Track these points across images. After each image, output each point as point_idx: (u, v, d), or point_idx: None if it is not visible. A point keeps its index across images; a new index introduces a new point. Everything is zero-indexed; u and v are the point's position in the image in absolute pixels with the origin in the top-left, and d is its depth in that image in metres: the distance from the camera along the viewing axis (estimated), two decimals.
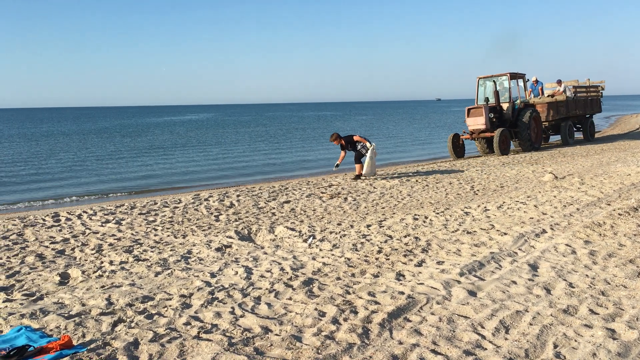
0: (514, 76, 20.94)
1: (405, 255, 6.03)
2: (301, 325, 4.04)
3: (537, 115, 20.89)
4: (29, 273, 6.02)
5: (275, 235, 7.48)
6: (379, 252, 6.24)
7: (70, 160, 26.53)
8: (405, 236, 7.01)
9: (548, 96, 23.01)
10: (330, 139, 13.94)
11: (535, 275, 5.13)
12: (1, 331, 4.24)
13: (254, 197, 11.11)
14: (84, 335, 4.03)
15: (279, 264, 5.86)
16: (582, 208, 8.32)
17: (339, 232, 7.47)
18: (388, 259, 5.90)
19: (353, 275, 5.35)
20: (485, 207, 8.79)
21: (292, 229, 7.70)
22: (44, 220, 9.10)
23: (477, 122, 19.84)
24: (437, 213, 8.51)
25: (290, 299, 4.70)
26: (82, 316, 4.44)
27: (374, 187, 12.00)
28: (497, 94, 20.34)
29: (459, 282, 4.94)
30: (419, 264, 5.66)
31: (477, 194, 10.65)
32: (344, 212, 9.22)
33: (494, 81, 21.08)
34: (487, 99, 20.17)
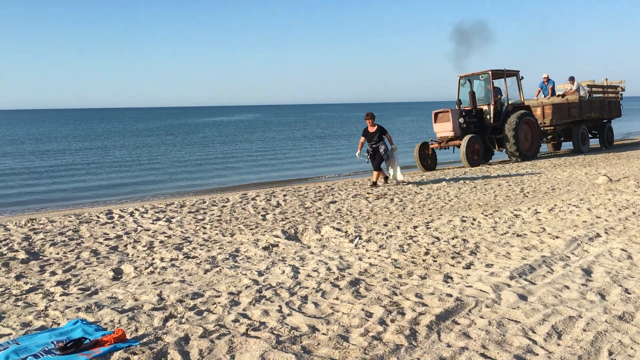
0: (497, 74, 18.21)
1: (453, 257, 5.95)
2: (348, 325, 4.05)
3: (530, 119, 17.98)
4: (84, 268, 6.23)
5: (322, 235, 7.50)
6: (426, 253, 6.18)
7: (145, 160, 27.34)
8: (452, 238, 6.92)
9: (559, 96, 20.22)
10: (365, 116, 12.62)
11: (589, 280, 4.98)
12: (59, 324, 4.40)
13: (300, 197, 11.18)
14: (136, 330, 4.14)
15: (326, 263, 5.87)
16: (639, 212, 8.02)
17: (385, 233, 7.43)
18: (435, 261, 5.84)
19: (400, 276, 5.32)
20: (536, 210, 8.58)
21: (338, 229, 7.71)
22: (98, 217, 9.40)
23: (444, 128, 17.35)
24: (486, 215, 8.36)
25: (337, 298, 4.70)
26: (135, 311, 4.57)
27: (421, 189, 11.89)
28: (472, 94, 17.65)
29: (509, 285, 4.84)
30: (467, 267, 5.58)
31: (527, 196, 10.42)
32: (390, 213, 9.17)
33: (468, 80, 18.43)
34: (459, 101, 17.82)
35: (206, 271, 5.82)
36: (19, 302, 5.05)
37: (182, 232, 8.07)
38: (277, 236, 7.44)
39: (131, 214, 9.65)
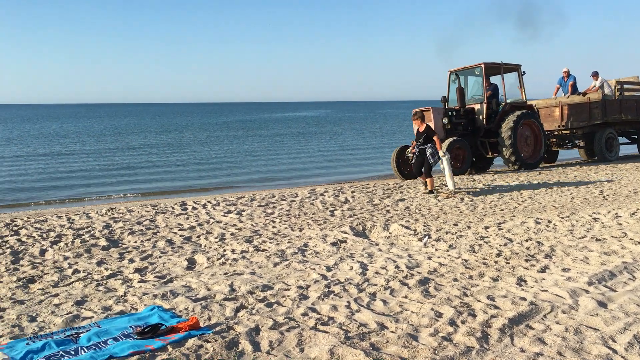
0: (493, 68, 15.66)
1: (527, 260, 5.77)
2: (417, 324, 4.01)
3: (532, 121, 15.39)
4: (160, 257, 6.47)
5: (390, 233, 7.46)
6: (498, 255, 6.02)
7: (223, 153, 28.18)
8: (526, 240, 6.71)
9: (580, 94, 17.38)
10: (413, 117, 11.52)
11: None
12: (137, 309, 4.60)
13: (368, 193, 11.15)
14: (209, 318, 4.26)
15: (394, 261, 5.84)
16: None
17: (455, 232, 7.30)
18: (508, 263, 5.69)
19: (471, 277, 5.21)
20: (616, 214, 8.19)
21: (407, 227, 7.64)
22: (173, 208, 9.74)
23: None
24: (562, 218, 8.05)
25: (405, 297, 4.67)
26: (208, 300, 4.70)
27: (493, 189, 11.59)
28: (460, 91, 15.19)
29: (587, 291, 4.65)
30: (542, 270, 5.39)
31: (606, 199, 9.95)
32: (461, 212, 9.00)
33: (459, 75, 16.06)
34: (444, 98, 15.37)
35: (276, 264, 5.92)
36: (100, 287, 5.32)
37: (252, 225, 8.23)
38: (345, 232, 7.46)
39: (204, 206, 9.93)
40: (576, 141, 17.81)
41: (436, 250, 6.39)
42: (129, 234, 7.69)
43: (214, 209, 9.63)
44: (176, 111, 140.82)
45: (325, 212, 9.21)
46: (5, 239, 7.53)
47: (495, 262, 5.75)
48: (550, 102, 17.75)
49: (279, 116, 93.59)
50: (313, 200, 10.39)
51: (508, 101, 15.73)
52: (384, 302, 4.53)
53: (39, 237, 7.56)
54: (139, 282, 5.44)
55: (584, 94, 17.30)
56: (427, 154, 10.66)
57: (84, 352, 3.65)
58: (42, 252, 6.83)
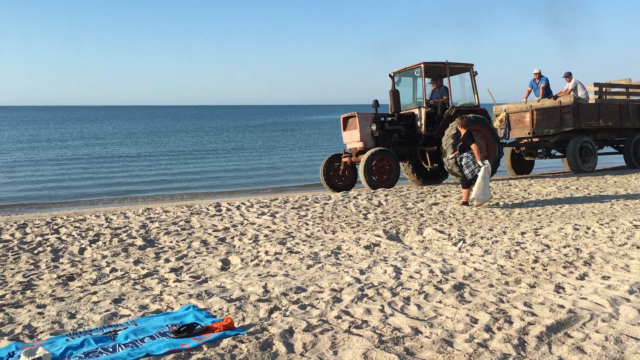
0: (436, 68, 14.16)
1: (565, 267, 5.65)
2: (452, 329, 3.96)
3: (481, 127, 13.62)
4: (195, 257, 6.56)
5: (424, 237, 7.40)
6: (535, 261, 5.91)
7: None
8: (564, 247, 6.57)
9: (552, 97, 15.71)
10: (458, 123, 10.23)
11: None
12: (172, 308, 4.67)
13: (402, 197, 11.08)
14: (243, 319, 4.29)
15: (428, 266, 5.79)
16: None
17: (491, 237, 7.20)
18: (545, 270, 5.58)
19: (507, 283, 5.13)
20: None
21: (441, 232, 7.56)
22: (207, 209, 9.85)
23: (352, 138, 13.53)
24: (602, 224, 7.86)
25: (440, 302, 4.62)
26: (242, 301, 4.74)
27: (529, 194, 11.39)
28: (394, 94, 13.74)
29: (628, 300, 4.52)
30: (581, 277, 5.27)
31: None
32: (496, 217, 8.87)
33: (402, 77, 14.53)
34: (375, 102, 13.73)
35: (309, 266, 5.93)
36: (137, 285, 5.41)
37: (285, 227, 8.27)
38: (378, 236, 7.43)
39: (238, 207, 10.02)
40: (552, 151, 16.28)
41: (471, 255, 6.31)
42: (165, 234, 7.81)
43: (248, 210, 9.71)
44: (193, 114, 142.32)
45: (358, 215, 9.19)
46: (46, 237, 7.73)
47: (532, 268, 5.64)
48: (521, 106, 16.12)
49: (312, 119, 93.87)
50: (346, 203, 10.38)
51: (458, 105, 14.25)
52: (418, 306, 4.50)
53: (78, 236, 7.74)
54: (174, 281, 5.52)
55: (556, 97, 15.66)
56: (462, 163, 9.82)
57: (122, 349, 3.72)
58: (81, 250, 6.99)
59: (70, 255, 6.75)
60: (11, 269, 6.20)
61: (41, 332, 4.15)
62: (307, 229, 8.09)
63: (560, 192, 11.55)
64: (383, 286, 5.09)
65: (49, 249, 7.08)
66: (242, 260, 6.32)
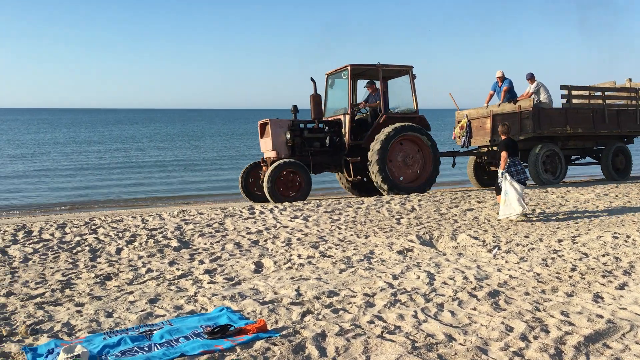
0: (367, 70, 13.18)
1: (603, 276, 5.52)
2: (487, 337, 3.90)
3: (415, 136, 12.56)
4: (229, 259, 6.62)
5: (458, 243, 7.32)
6: (573, 269, 5.79)
7: None
8: (603, 255, 6.42)
9: (512, 101, 14.39)
10: (499, 130, 9.77)
11: None
12: (206, 309, 4.72)
13: (435, 202, 10.98)
14: (276, 322, 4.31)
15: (462, 272, 5.72)
16: None
17: (527, 245, 7.08)
18: (583, 278, 5.45)
19: (543, 291, 5.03)
20: None
21: (476, 238, 7.47)
22: (241, 212, 9.94)
23: (266, 146, 12.55)
24: None
25: (474, 309, 4.56)
26: (275, 303, 4.77)
27: (566, 200, 11.16)
28: (315, 98, 12.43)
29: None
30: (621, 287, 5.14)
31: None
32: (532, 224, 8.71)
33: (335, 80, 13.36)
34: (294, 108, 12.69)
35: (341, 271, 5.93)
36: (172, 286, 5.49)
37: (318, 230, 8.28)
38: (411, 241, 7.38)
39: (271, 210, 10.08)
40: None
41: (506, 262, 6.22)
42: (199, 236, 7.91)
43: (281, 213, 9.76)
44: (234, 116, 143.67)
45: (391, 220, 9.14)
46: (85, 237, 7.91)
47: (570, 277, 5.53)
48: (482, 111, 14.83)
49: None
50: (379, 207, 10.34)
51: (397, 110, 13.26)
52: (452, 313, 4.45)
53: (115, 236, 7.90)
54: (208, 283, 5.58)
55: (516, 101, 14.38)
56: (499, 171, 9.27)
57: (157, 349, 3.78)
58: (118, 250, 7.13)
59: (108, 255, 6.89)
60: (51, 267, 6.36)
61: (79, 330, 4.25)
62: (339, 233, 8.09)
63: (599, 199, 11.29)
64: (416, 292, 5.05)
65: (87, 248, 7.24)
66: (275, 263, 6.35)
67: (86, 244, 7.51)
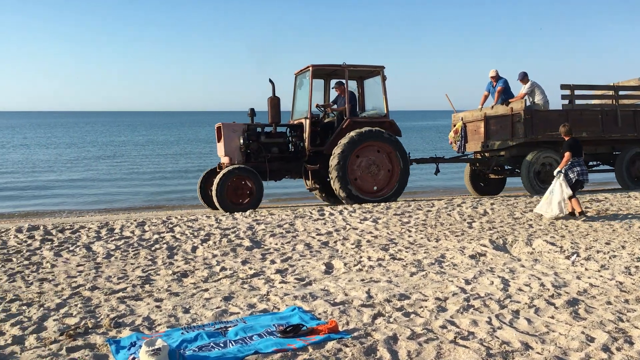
0: (331, 71, 12.52)
1: None
2: (566, 347, 3.77)
3: (382, 144, 11.69)
4: (299, 260, 6.70)
5: (533, 249, 7.09)
6: None
7: None
8: None
9: (504, 103, 13.27)
10: (561, 131, 9.75)
11: None
12: (278, 308, 4.80)
13: (509, 206, 10.69)
14: (347, 323, 4.33)
15: (539, 279, 5.54)
16: None
17: (608, 252, 6.76)
18: None
19: (627, 301, 4.80)
20: None
21: (552, 244, 7.21)
22: (311, 213, 10.04)
23: (220, 151, 11.96)
24: None
25: (552, 317, 4.41)
26: (346, 305, 4.79)
27: None
28: (273, 101, 11.62)
29: None
30: None
31: None
32: (613, 230, 8.31)
33: (303, 80, 12.57)
34: (251, 111, 12.00)
35: (412, 274, 5.88)
36: (245, 285, 5.62)
37: (387, 233, 8.24)
38: (484, 245, 7.22)
39: (340, 212, 10.12)
40: (513, 168, 13.70)
41: (586, 269, 5.97)
42: (270, 236, 8.05)
43: (350, 215, 9.78)
44: None
45: (462, 224, 8.97)
46: (162, 235, 8.23)
47: None
48: (477, 114, 13.75)
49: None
50: (450, 211, 10.18)
51: (365, 114, 12.46)
52: (528, 320, 4.32)
53: (191, 235, 8.17)
54: (280, 282, 5.67)
55: (508, 103, 13.16)
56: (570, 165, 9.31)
57: (232, 345, 3.88)
58: (194, 249, 7.37)
59: (184, 253, 7.14)
60: (131, 263, 6.65)
61: (159, 325, 4.43)
62: (409, 236, 8.01)
63: None
64: (490, 297, 4.94)
65: (164, 246, 7.53)
66: (345, 264, 6.38)
67: (164, 241, 7.81)
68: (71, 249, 7.45)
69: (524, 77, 13.30)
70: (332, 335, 3.98)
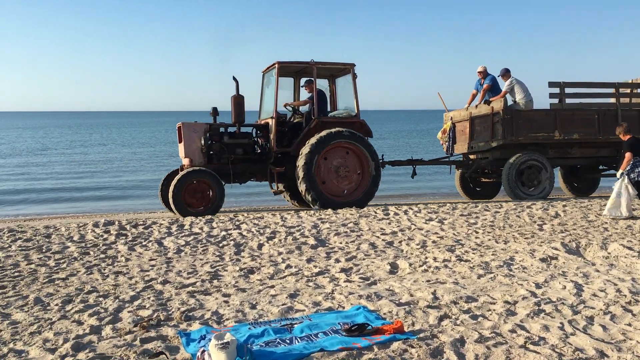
0: (295, 68, 12.00)
1: None
2: None
3: (351, 144, 11.13)
4: (364, 259, 6.70)
5: (609, 253, 6.78)
6: None
7: None
8: None
9: (485, 102, 12.44)
10: (618, 131, 9.67)
11: None
12: (343, 307, 4.82)
13: (582, 208, 10.28)
14: (413, 324, 4.29)
15: (615, 284, 5.30)
16: None
17: None
18: None
19: None
20: None
21: (630, 248, 6.87)
22: (375, 212, 10.01)
23: (181, 152, 11.39)
24: None
25: (629, 324, 4.21)
26: (411, 305, 4.74)
27: None
28: (236, 100, 11.11)
29: None
30: None
31: None
32: None
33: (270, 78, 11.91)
34: (214, 110, 11.32)
35: (479, 276, 5.75)
36: (310, 282, 5.67)
37: (454, 234, 8.10)
38: (556, 248, 6.97)
39: (405, 212, 10.04)
40: (484, 173, 13.05)
41: None
42: (335, 235, 8.08)
43: (415, 215, 9.68)
44: None
45: (532, 226, 8.70)
46: (230, 232, 8.42)
47: None
48: (464, 114, 13.01)
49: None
50: (519, 212, 9.89)
51: (333, 114, 11.80)
52: (603, 327, 4.14)
53: (257, 233, 8.32)
54: (344, 281, 5.69)
55: (489, 102, 12.33)
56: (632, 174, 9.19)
57: (298, 342, 3.93)
58: (260, 246, 7.51)
59: (250, 250, 7.28)
60: (200, 259, 6.85)
61: (227, 319, 4.54)
62: (476, 237, 7.85)
63: None
64: (562, 302, 4.76)
65: (232, 243, 7.70)
66: (410, 265, 6.32)
67: (231, 238, 7.99)
68: (144, 243, 7.75)
69: (505, 74, 12.49)
70: (397, 336, 3.96)
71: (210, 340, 3.69)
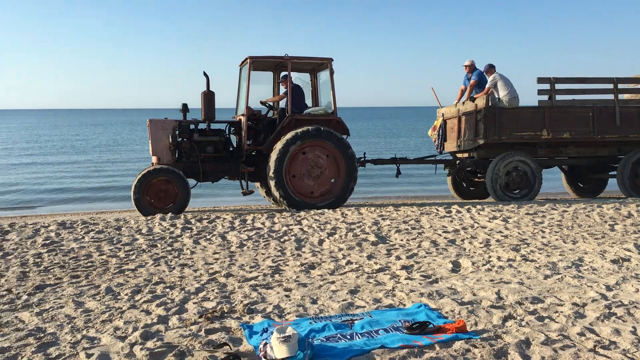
0: (265, 64, 11.46)
1: None
2: None
3: (325, 143, 10.51)
4: (425, 257, 6.62)
5: None
6: None
7: None
8: None
9: (470, 99, 11.75)
10: None
11: None
12: (404, 305, 4.79)
13: None
14: (475, 324, 4.22)
15: None
16: None
17: None
18: None
19: None
20: None
21: None
22: (437, 210, 9.87)
23: (150, 150, 10.81)
24: None
25: None
26: (474, 305, 4.66)
27: None
28: (207, 96, 10.59)
29: None
30: None
31: None
32: None
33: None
34: (184, 107, 10.77)
35: (546, 277, 5.58)
36: (370, 279, 5.66)
37: (519, 233, 7.89)
38: (628, 250, 6.67)
39: (468, 210, 9.85)
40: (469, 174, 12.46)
41: None
42: (396, 232, 8.03)
43: (479, 213, 9.48)
44: None
45: (603, 226, 8.36)
46: (291, 227, 8.52)
47: None
48: (453, 110, 12.37)
49: None
50: (589, 212, 9.52)
51: (309, 111, 11.04)
52: None
53: (318, 228, 8.37)
54: (405, 279, 5.64)
55: (473, 99, 11.65)
56: None
57: (358, 338, 3.93)
58: (320, 242, 7.55)
59: (311, 246, 7.34)
60: (262, 253, 6.96)
61: (288, 313, 4.60)
62: (543, 237, 7.61)
63: None
64: (635, 306, 4.56)
65: (292, 238, 7.79)
66: (473, 263, 6.20)
67: (292, 233, 8.08)
68: (208, 237, 7.95)
69: (489, 69, 11.83)
70: (459, 335, 3.90)
71: (272, 333, 3.75)
